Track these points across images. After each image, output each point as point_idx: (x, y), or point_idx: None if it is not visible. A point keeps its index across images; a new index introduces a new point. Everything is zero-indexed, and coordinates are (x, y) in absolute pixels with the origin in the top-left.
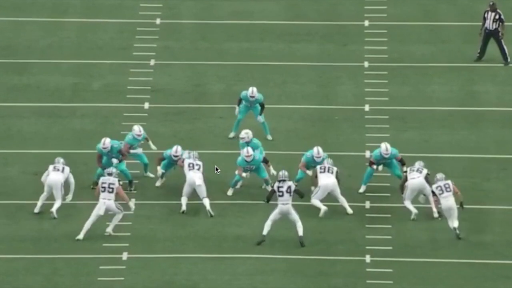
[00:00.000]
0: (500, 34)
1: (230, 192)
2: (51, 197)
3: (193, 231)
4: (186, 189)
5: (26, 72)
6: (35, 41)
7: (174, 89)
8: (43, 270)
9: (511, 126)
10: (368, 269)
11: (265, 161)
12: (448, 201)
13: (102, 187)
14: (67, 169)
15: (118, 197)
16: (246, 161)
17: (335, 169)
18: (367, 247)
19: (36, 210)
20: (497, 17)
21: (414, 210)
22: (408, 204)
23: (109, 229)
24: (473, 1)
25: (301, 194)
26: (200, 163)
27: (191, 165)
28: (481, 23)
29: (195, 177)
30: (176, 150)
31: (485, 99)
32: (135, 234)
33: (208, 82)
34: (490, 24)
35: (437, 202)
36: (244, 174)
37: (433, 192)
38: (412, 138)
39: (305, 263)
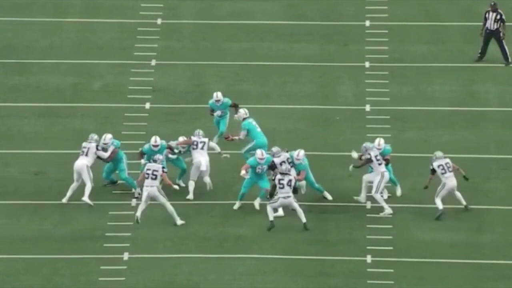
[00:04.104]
0: (501, 34)
1: (236, 206)
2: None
3: (193, 231)
4: (193, 172)
5: (26, 72)
6: (35, 41)
7: (175, 89)
8: (43, 270)
9: (511, 126)
10: (368, 269)
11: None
12: (451, 181)
13: (146, 174)
14: (92, 148)
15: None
16: (258, 162)
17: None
18: (368, 247)
19: (65, 200)
20: (498, 17)
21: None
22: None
23: (178, 222)
24: (474, 1)
25: (296, 190)
26: (205, 140)
27: (195, 143)
28: (482, 23)
29: (202, 161)
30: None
31: (486, 99)
32: (136, 234)
33: (209, 82)
34: (491, 24)
35: (432, 178)
36: (245, 176)
37: (433, 170)
38: (412, 138)
39: (305, 263)
